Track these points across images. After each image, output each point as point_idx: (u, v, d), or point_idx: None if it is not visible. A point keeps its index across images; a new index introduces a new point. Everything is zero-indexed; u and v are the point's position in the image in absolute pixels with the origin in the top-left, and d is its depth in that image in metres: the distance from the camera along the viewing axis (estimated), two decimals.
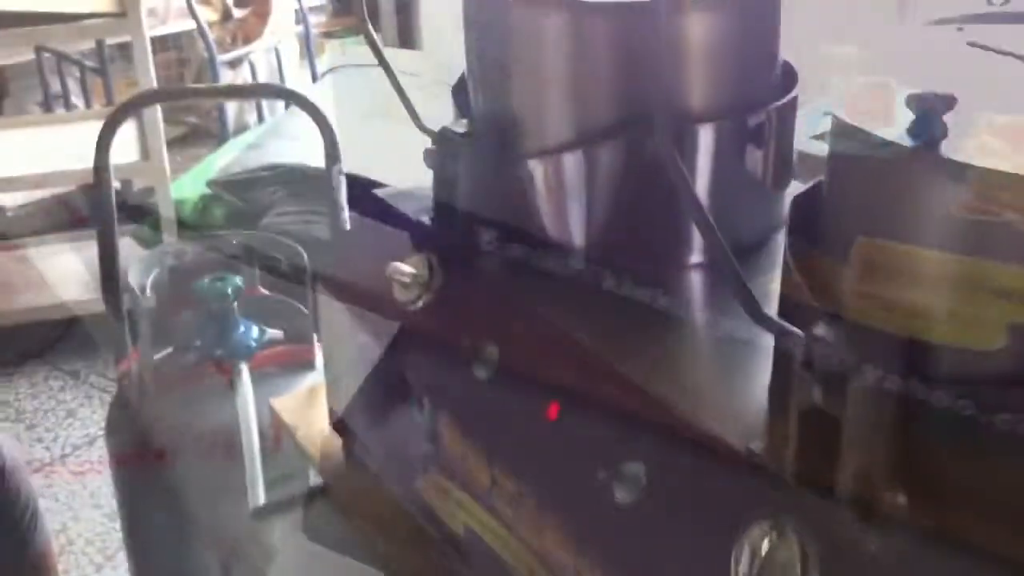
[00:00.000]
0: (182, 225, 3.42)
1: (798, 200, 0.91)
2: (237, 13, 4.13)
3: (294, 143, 3.48)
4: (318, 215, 2.69)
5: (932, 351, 0.76)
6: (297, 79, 4.32)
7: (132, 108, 2.05)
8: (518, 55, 1.10)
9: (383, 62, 1.27)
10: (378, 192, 1.27)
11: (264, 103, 4.19)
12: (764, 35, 1.13)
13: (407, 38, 5.00)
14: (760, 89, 1.13)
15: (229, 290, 1.71)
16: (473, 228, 1.14)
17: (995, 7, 2.34)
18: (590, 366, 0.96)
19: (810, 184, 0.93)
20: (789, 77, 1.18)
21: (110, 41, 4.00)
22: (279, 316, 1.86)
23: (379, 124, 3.60)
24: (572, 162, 1.08)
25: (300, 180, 3.33)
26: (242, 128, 4.11)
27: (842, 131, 0.79)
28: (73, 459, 2.99)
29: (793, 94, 1.14)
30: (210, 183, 3.46)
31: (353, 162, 3.13)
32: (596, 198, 1.10)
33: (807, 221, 0.90)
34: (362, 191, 1.26)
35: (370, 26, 1.23)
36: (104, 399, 2.39)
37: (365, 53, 4.25)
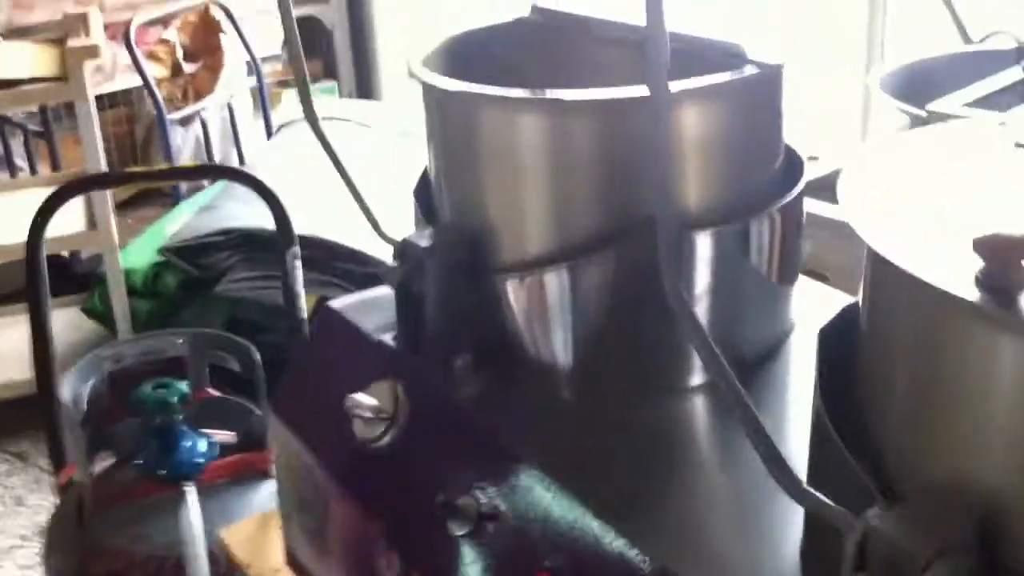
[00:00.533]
0: (133, 294, 3.25)
1: (827, 334, 0.78)
2: (187, 68, 3.97)
3: (249, 205, 3.31)
4: (275, 281, 2.52)
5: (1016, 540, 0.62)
6: (252, 134, 4.16)
7: (68, 194, 1.90)
8: (492, 159, 0.96)
9: (331, 155, 1.13)
10: (337, 304, 1.12)
11: (217, 157, 4.03)
12: (767, 125, 1.00)
13: (366, 89, 4.86)
14: (764, 185, 1.00)
15: (172, 399, 1.56)
16: (444, 353, 0.99)
17: (975, 45, 2.24)
18: (585, 529, 0.82)
19: (838, 313, 0.79)
20: (794, 166, 1.05)
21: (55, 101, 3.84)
22: (231, 418, 1.71)
23: (337, 181, 3.47)
24: (555, 278, 0.94)
25: (256, 245, 3.17)
26: (195, 187, 3.94)
27: (884, 272, 0.65)
28: (21, 553, 2.79)
29: (799, 188, 1.01)
30: (161, 250, 3.30)
31: (311, 222, 2.98)
32: (582, 317, 0.96)
33: (840, 363, 0.76)
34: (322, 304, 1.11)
35: (316, 116, 1.08)
36: (54, 483, 2.21)
37: (322, 104, 4.08)
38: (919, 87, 2.07)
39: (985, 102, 1.89)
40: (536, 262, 0.95)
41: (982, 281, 0.58)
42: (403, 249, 0.98)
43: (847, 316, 0.78)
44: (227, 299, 3.23)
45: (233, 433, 1.72)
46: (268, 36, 4.51)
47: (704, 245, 0.93)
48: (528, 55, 1.14)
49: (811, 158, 2.36)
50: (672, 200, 0.85)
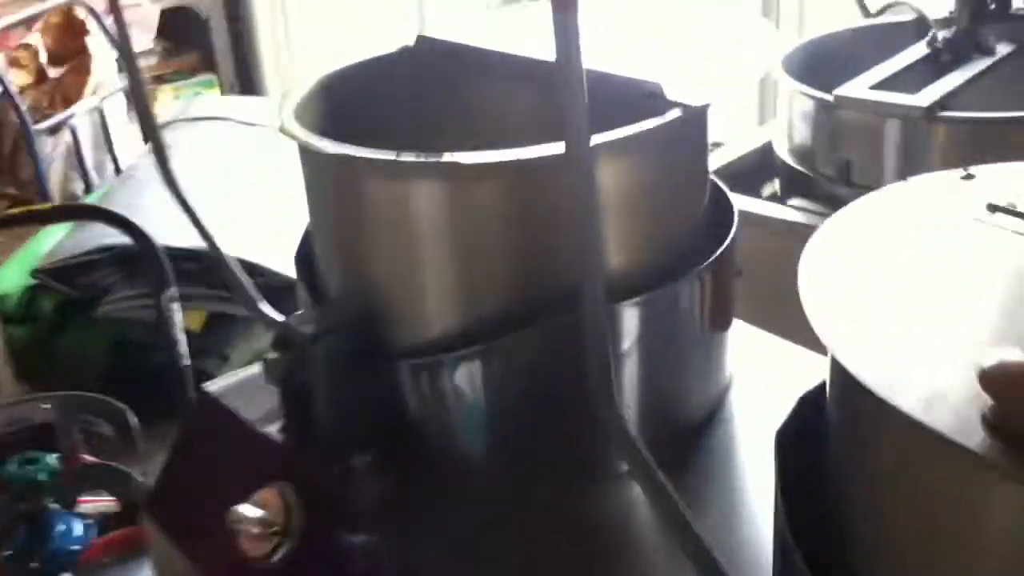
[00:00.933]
0: (7, 321, 3.04)
1: (785, 437, 0.67)
2: (53, 73, 3.73)
3: (128, 216, 3.11)
4: None
5: None
6: (127, 138, 3.94)
7: None
8: (385, 231, 0.82)
9: (184, 205, 0.99)
10: (214, 387, 0.98)
11: (91, 166, 3.80)
12: (694, 172, 0.89)
13: (248, 81, 4.64)
14: (692, 236, 0.89)
15: (40, 478, 1.39)
16: (341, 452, 0.86)
17: (873, 18, 2.16)
18: None
19: (795, 411, 0.68)
20: (722, 208, 0.94)
21: None
22: (110, 485, 1.55)
23: (226, 186, 3.27)
24: (464, 363, 0.82)
25: (137, 260, 2.97)
26: (70, 199, 3.71)
27: (860, 395, 0.54)
28: None
29: (731, 235, 0.90)
30: (35, 272, 3.08)
31: (192, 234, 2.80)
32: (497, 404, 0.83)
33: (801, 467, 0.65)
34: (198, 392, 0.97)
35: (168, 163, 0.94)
36: None
37: (204, 102, 3.83)
38: (821, 66, 1.99)
39: (892, 83, 1.82)
40: (441, 345, 0.82)
41: (992, 423, 0.47)
42: (284, 336, 0.84)
43: (805, 414, 0.67)
44: (110, 321, 3.04)
45: (113, 500, 1.56)
46: (140, 29, 4.28)
47: (630, 316, 0.82)
48: (415, 92, 1.01)
49: (715, 144, 2.28)
50: (599, 272, 0.72)
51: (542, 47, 0.92)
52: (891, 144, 1.76)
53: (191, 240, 2.56)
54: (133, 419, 1.51)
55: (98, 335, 3.05)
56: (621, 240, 0.83)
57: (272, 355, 0.84)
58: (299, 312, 0.86)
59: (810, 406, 0.67)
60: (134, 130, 3.95)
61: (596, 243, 0.66)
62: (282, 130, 0.84)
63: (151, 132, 0.99)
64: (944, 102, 1.68)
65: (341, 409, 0.85)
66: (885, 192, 0.69)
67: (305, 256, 0.94)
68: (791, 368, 1.00)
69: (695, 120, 0.84)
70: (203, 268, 2.72)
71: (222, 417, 0.94)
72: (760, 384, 0.99)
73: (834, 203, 1.83)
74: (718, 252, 0.86)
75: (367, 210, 0.82)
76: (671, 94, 0.82)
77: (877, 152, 1.77)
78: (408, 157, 0.76)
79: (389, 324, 0.84)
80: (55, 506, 1.44)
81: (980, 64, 1.87)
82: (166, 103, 4.53)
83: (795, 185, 1.93)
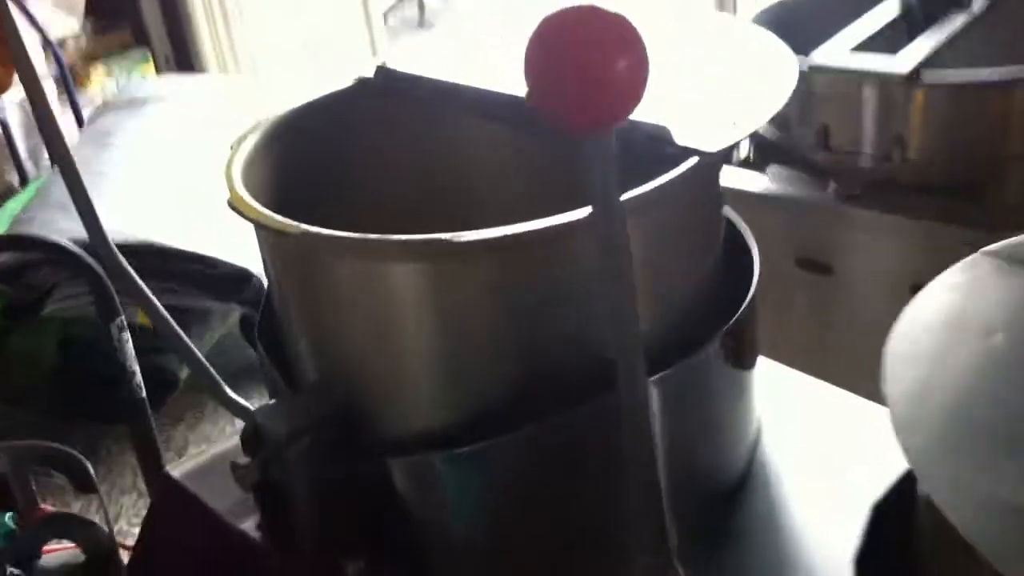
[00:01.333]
0: None
1: (864, 560, 0.58)
2: None
3: (66, 211, 2.95)
4: None
5: None
6: (61, 124, 3.75)
7: None
8: (365, 319, 0.71)
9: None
10: (178, 473, 0.88)
11: (24, 157, 3.63)
12: (710, 223, 0.79)
13: (184, 56, 4.44)
14: (711, 288, 0.79)
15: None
16: (329, 560, 0.76)
17: None
18: None
19: (869, 532, 0.60)
20: (739, 246, 0.84)
21: None
22: (73, 533, 1.44)
23: (167, 174, 3.13)
24: (463, 461, 0.72)
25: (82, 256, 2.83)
26: (5, 191, 3.54)
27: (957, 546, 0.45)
28: None
29: (752, 290, 0.80)
30: None
31: (141, 221, 2.67)
32: (507, 501, 0.74)
33: None
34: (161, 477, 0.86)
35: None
36: None
37: (140, 83, 3.62)
38: (791, 26, 1.89)
39: (867, 45, 1.73)
40: (433, 441, 0.72)
41: None
42: (255, 437, 0.73)
43: (878, 536, 0.58)
44: (57, 320, 2.92)
45: (75, 547, 1.45)
46: (67, 12, 4.09)
47: (655, 393, 0.72)
48: (375, 132, 0.90)
49: None
50: (636, 347, 0.61)
51: (510, 76, 0.81)
52: (869, 109, 1.68)
53: (134, 234, 2.42)
54: (89, 468, 1.39)
55: (46, 335, 2.96)
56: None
57: (242, 460, 0.73)
58: (270, 404, 0.76)
59: (879, 534, 0.58)
60: (67, 116, 3.78)
61: (633, 324, 0.56)
62: (231, 204, 0.73)
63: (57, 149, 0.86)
64: (923, 66, 1.61)
65: (326, 512, 0.74)
66: (963, 268, 0.60)
67: (269, 328, 0.83)
68: (809, 399, 0.93)
69: (710, 167, 0.74)
70: (149, 264, 2.60)
71: (193, 509, 0.84)
72: (787, 423, 0.90)
73: (812, 169, 1.76)
74: (743, 307, 0.77)
75: (342, 294, 0.71)
76: (681, 138, 0.72)
77: (855, 117, 1.69)
78: (392, 239, 0.65)
79: (373, 417, 0.74)
80: (16, 572, 1.33)
81: (956, 21, 1.79)
82: (99, 82, 4.35)
83: (770, 151, 1.84)
